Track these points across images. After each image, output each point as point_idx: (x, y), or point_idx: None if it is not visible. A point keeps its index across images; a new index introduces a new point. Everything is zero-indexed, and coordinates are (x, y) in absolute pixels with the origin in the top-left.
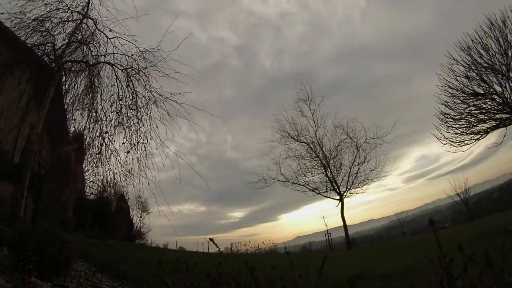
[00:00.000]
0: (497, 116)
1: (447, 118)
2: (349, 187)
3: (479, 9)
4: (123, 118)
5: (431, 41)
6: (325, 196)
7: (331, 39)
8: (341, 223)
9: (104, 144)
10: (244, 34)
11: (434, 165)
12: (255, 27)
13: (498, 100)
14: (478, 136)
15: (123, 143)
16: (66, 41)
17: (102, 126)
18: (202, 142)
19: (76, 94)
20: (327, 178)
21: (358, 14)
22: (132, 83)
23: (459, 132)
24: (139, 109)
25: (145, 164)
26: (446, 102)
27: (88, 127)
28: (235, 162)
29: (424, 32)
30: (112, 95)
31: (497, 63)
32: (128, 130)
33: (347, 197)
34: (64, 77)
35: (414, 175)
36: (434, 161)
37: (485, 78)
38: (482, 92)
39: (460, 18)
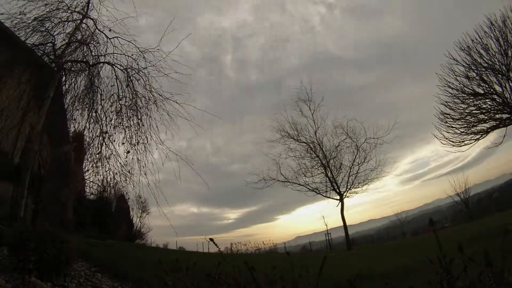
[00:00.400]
0: (497, 116)
1: (447, 118)
2: (349, 187)
3: (452, 15)
4: (123, 118)
5: (402, 49)
6: (325, 196)
7: (294, 47)
8: (341, 223)
9: (104, 144)
10: (207, 48)
11: (426, 168)
12: (216, 39)
13: (498, 100)
14: (478, 136)
15: (123, 143)
16: (66, 41)
17: (102, 126)
18: (183, 147)
19: (76, 94)
20: (327, 178)
21: (318, 20)
22: (132, 83)
23: (459, 132)
24: (139, 109)
25: (145, 164)
26: (446, 102)
27: (88, 127)
28: (219, 166)
29: (394, 40)
30: (112, 95)
31: (497, 63)
32: (128, 130)
33: (347, 197)
34: (64, 77)
35: (412, 176)
36: (426, 164)
37: (485, 78)
38: (482, 92)
39: (430, 26)
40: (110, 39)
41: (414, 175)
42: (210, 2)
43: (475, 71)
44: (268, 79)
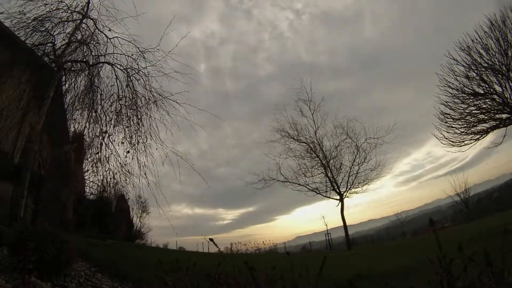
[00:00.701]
0: (497, 116)
1: (447, 118)
2: (349, 187)
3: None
4: (123, 118)
5: (380, 55)
6: (325, 196)
7: (265, 54)
8: (341, 223)
9: (104, 144)
10: (182, 58)
11: (425, 169)
12: (189, 50)
13: (498, 100)
14: (478, 136)
15: (122, 143)
16: (66, 41)
17: (102, 126)
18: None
19: (76, 94)
20: (327, 178)
21: (287, 26)
22: (132, 83)
23: (459, 132)
24: (139, 109)
25: (144, 164)
26: (446, 102)
27: (88, 127)
28: (206, 169)
29: (370, 45)
30: (112, 95)
31: (497, 63)
32: (128, 130)
33: (347, 197)
34: (64, 77)
35: (412, 176)
36: (424, 165)
37: (485, 78)
38: (482, 92)
39: (409, 32)
40: (110, 39)
41: (413, 176)
42: (178, 15)
43: (475, 71)
44: (243, 86)
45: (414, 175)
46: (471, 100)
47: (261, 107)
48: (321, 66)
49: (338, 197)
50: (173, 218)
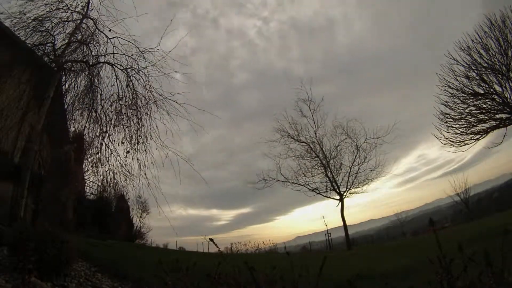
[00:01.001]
0: (497, 116)
1: (447, 118)
2: (349, 187)
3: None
4: (122, 118)
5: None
6: (325, 196)
7: (239, 63)
8: (341, 223)
9: (104, 144)
10: (160, 68)
11: (425, 168)
12: (165, 60)
13: (498, 100)
14: (478, 136)
15: (122, 143)
16: (66, 41)
17: (102, 126)
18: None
19: (76, 94)
20: (327, 178)
21: (255, 33)
22: (132, 83)
23: (459, 132)
24: (139, 109)
25: (144, 163)
26: (446, 102)
27: (88, 127)
28: (195, 172)
29: (344, 51)
30: (112, 95)
31: (497, 63)
32: (128, 130)
33: (347, 197)
34: (64, 77)
35: (411, 177)
36: (423, 165)
37: (485, 78)
38: (482, 92)
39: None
40: (110, 39)
41: (412, 176)
42: (150, 27)
43: (475, 71)
44: (219, 93)
45: (411, 177)
46: (471, 100)
47: (240, 114)
48: (297, 72)
49: (338, 197)
50: (170, 219)
